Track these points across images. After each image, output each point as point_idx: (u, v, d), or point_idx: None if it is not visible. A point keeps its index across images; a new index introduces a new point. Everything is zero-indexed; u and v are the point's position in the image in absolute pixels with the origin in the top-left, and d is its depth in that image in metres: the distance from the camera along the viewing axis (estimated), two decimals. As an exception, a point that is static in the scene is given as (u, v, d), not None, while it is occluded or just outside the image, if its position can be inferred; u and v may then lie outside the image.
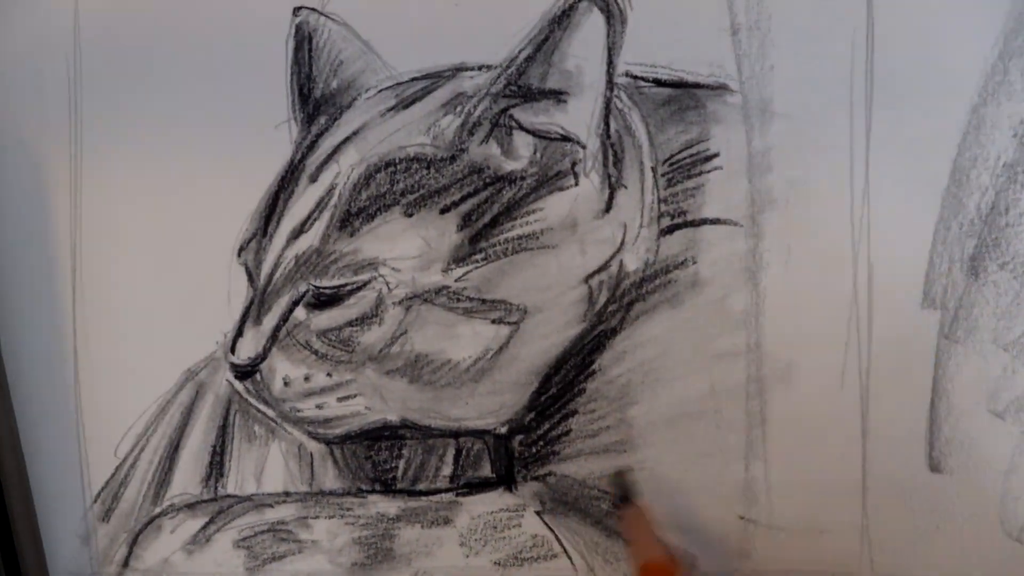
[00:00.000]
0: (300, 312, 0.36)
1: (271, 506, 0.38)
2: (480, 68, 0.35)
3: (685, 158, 0.35)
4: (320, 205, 0.35)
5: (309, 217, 0.35)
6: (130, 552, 0.39)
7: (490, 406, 0.37)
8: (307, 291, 0.36)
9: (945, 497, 0.36)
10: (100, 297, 0.38)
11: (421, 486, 0.38)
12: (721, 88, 0.35)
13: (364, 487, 0.38)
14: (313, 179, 0.36)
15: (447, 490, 0.38)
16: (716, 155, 0.35)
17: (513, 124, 0.35)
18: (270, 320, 0.36)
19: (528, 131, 0.35)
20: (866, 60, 0.34)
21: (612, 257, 0.35)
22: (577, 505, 0.37)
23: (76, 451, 0.38)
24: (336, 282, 0.35)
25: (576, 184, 0.35)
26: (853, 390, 0.35)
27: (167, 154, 0.37)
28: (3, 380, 0.37)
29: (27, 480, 0.38)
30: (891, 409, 0.35)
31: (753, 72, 0.35)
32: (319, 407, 0.37)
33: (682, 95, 0.35)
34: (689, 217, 0.35)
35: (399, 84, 0.36)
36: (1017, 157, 0.34)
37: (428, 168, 0.35)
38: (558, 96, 0.35)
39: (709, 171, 0.35)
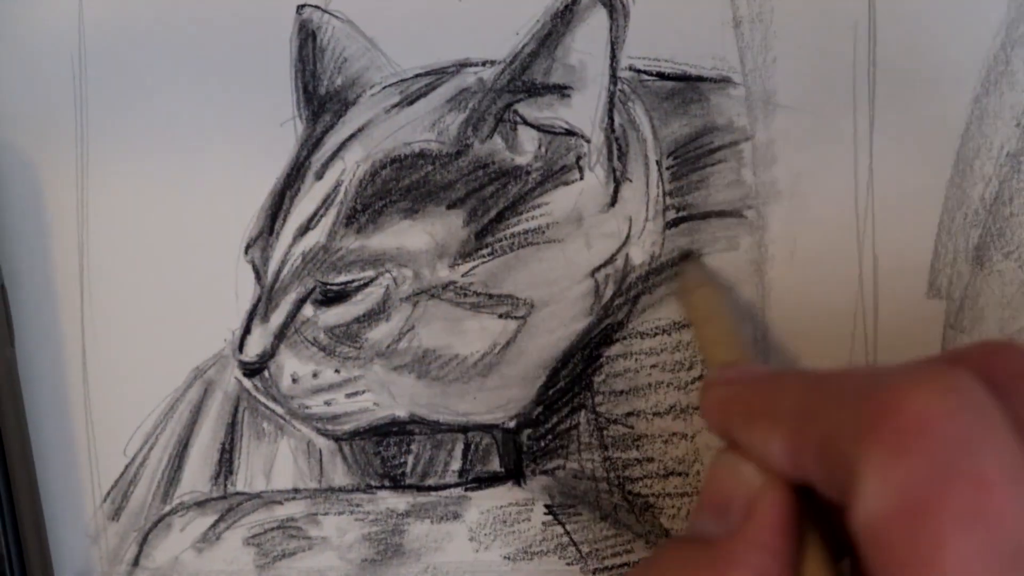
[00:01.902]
0: (308, 309, 0.36)
1: (280, 503, 0.38)
2: (484, 64, 0.35)
3: (689, 151, 0.35)
4: (326, 202, 0.36)
5: (315, 214, 0.36)
6: (140, 551, 0.39)
7: (498, 401, 0.37)
8: (314, 288, 0.36)
9: (953, 486, 0.36)
10: (107, 296, 0.38)
11: (430, 481, 0.38)
12: (724, 81, 0.35)
13: (373, 483, 0.38)
14: (319, 176, 0.36)
15: (456, 485, 0.38)
16: (720, 148, 0.35)
17: (517, 119, 0.35)
18: (277, 317, 0.36)
19: (532, 126, 0.35)
20: (868, 50, 0.34)
21: (618, 251, 0.36)
22: (587, 499, 0.37)
23: (86, 450, 0.38)
24: (343, 278, 0.36)
25: (581, 178, 0.35)
26: (860, 380, 0.35)
27: (172, 153, 0.37)
28: (15, 380, 0.37)
29: (35, 479, 0.38)
30: (898, 399, 0.35)
31: (756, 64, 0.35)
32: (327, 403, 0.37)
33: (685, 88, 0.35)
34: (694, 210, 0.35)
35: (403, 80, 0.36)
36: (1020, 146, 0.34)
37: (433, 164, 0.35)
38: (562, 91, 0.35)
39: (714, 164, 0.35)
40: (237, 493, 0.38)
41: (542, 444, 0.37)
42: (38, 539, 0.38)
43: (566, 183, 0.35)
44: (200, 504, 0.38)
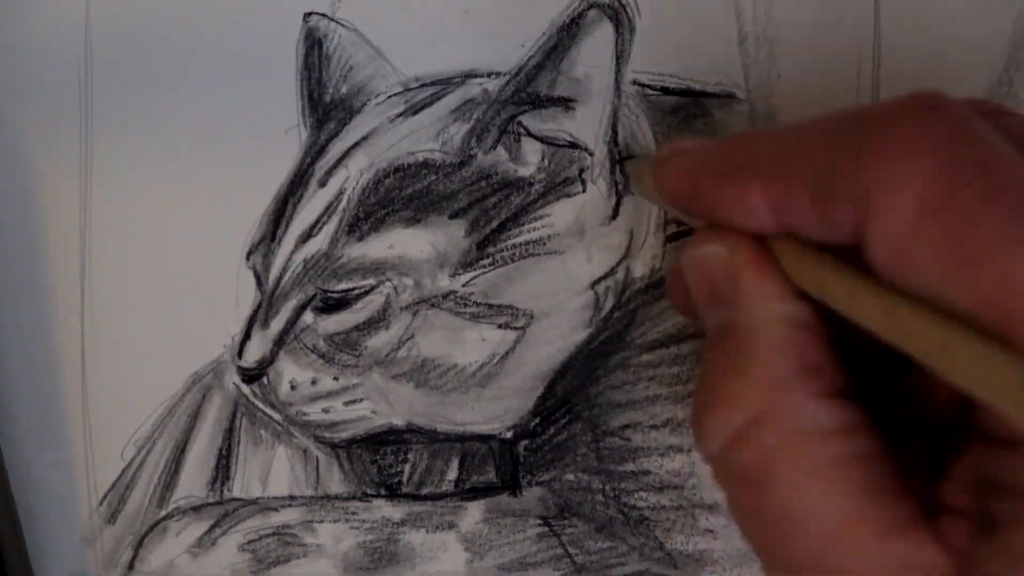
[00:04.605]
0: (308, 316, 0.36)
1: (276, 510, 0.38)
2: (489, 75, 0.35)
3: (692, 166, 0.35)
4: (329, 209, 0.36)
5: (318, 221, 0.36)
6: (135, 554, 0.38)
7: (495, 411, 0.37)
8: (315, 295, 0.36)
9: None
10: (107, 299, 0.38)
11: (426, 490, 0.38)
12: (728, 97, 0.35)
13: (369, 491, 0.38)
14: (322, 183, 0.36)
15: (452, 495, 0.38)
16: (723, 163, 0.35)
17: (521, 131, 0.35)
18: (277, 324, 0.36)
19: (536, 138, 0.35)
20: (873, 71, 0.34)
21: (619, 263, 0.36)
22: (582, 510, 0.37)
23: (82, 453, 0.38)
24: (344, 286, 0.36)
25: (583, 191, 0.35)
26: (857, 398, 0.36)
27: (177, 158, 0.37)
28: None
29: (8, 484, 0.38)
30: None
31: (760, 81, 0.35)
32: (325, 411, 0.37)
33: (689, 103, 0.35)
34: (695, 224, 0.35)
35: (408, 90, 0.36)
36: (1020, 168, 0.35)
37: (437, 173, 0.35)
38: (566, 103, 0.35)
39: (716, 179, 0.35)
40: (233, 499, 0.38)
41: (538, 455, 0.37)
42: (16, 543, 0.37)
43: (568, 195, 0.35)
44: (196, 509, 0.38)
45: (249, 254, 0.37)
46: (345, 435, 0.37)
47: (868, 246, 0.21)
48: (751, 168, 0.24)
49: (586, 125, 0.35)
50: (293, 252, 0.36)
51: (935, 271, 0.20)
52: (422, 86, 0.36)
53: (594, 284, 0.36)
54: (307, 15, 0.36)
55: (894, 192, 0.20)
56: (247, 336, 0.37)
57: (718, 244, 0.26)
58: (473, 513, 0.38)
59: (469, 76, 0.36)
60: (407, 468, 0.38)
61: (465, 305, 0.35)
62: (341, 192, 0.36)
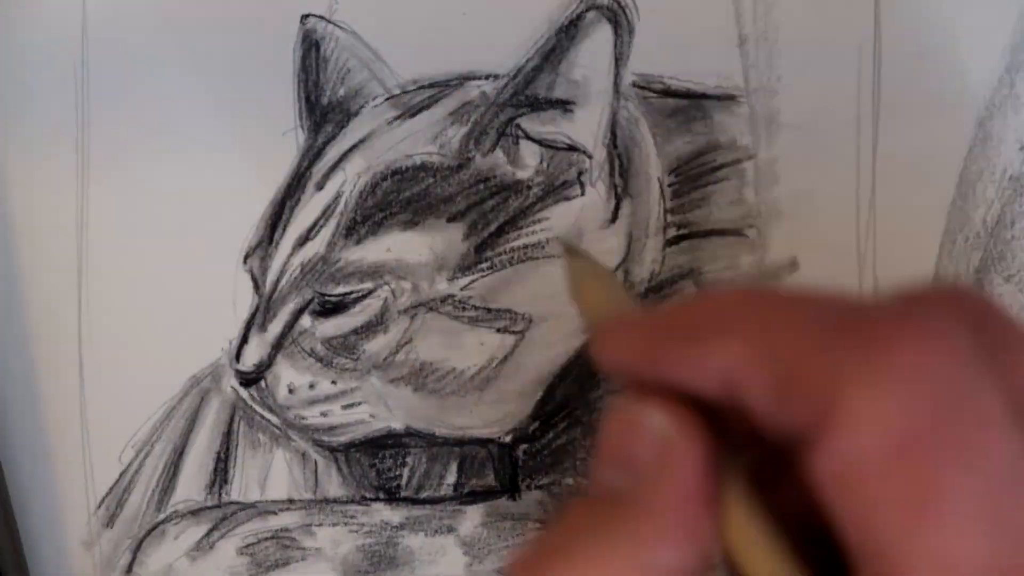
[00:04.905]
0: (305, 319, 0.36)
1: (275, 513, 0.38)
2: (487, 77, 0.35)
3: (692, 169, 0.35)
4: (326, 212, 0.36)
5: (315, 224, 0.36)
6: (133, 558, 0.38)
7: (494, 415, 0.37)
8: (312, 298, 0.36)
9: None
10: (105, 302, 0.37)
11: (425, 494, 0.38)
12: (728, 99, 0.35)
13: (368, 495, 0.38)
14: (320, 187, 0.36)
15: (451, 499, 0.38)
16: (722, 166, 0.35)
17: (519, 133, 0.35)
18: (275, 327, 0.36)
19: (534, 140, 0.35)
20: (873, 72, 0.34)
21: (618, 267, 0.35)
22: (581, 515, 0.37)
23: (80, 457, 0.38)
24: (342, 290, 0.35)
25: (582, 194, 0.35)
26: (858, 402, 0.35)
27: (172, 161, 0.37)
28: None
29: (6, 488, 0.38)
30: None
31: (760, 83, 0.35)
32: (324, 415, 0.37)
33: (689, 106, 0.35)
34: (695, 228, 0.35)
35: (406, 92, 0.36)
36: (1023, 170, 0.34)
37: (434, 177, 0.35)
38: (565, 106, 0.35)
39: (716, 182, 0.35)
40: (231, 502, 0.38)
41: (538, 459, 0.37)
42: (12, 548, 0.37)
43: (567, 198, 0.35)
44: (194, 513, 0.38)
45: (246, 257, 0.37)
46: (343, 439, 0.37)
47: (817, 453, 0.19)
48: (725, 332, 0.22)
49: (585, 128, 0.35)
50: (290, 255, 0.36)
51: (881, 517, 0.18)
52: (420, 88, 0.36)
53: (593, 287, 0.35)
54: (304, 17, 0.36)
55: (869, 418, 0.18)
56: (245, 340, 0.36)
57: (665, 415, 0.22)
58: (472, 517, 0.38)
59: (467, 78, 0.35)
60: (406, 472, 0.37)
61: (463, 309, 0.35)
62: (338, 195, 0.35)
